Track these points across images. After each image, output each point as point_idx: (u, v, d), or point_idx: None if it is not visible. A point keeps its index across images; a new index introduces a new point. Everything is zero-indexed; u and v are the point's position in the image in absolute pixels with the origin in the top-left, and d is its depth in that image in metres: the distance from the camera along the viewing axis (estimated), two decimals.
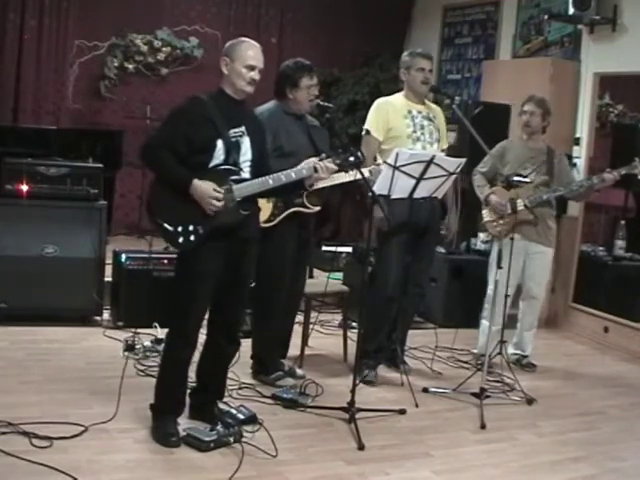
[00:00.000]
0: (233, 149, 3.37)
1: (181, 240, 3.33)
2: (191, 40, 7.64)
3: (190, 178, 3.28)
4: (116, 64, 7.41)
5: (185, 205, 3.29)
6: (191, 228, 3.32)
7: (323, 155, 3.66)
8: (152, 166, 3.43)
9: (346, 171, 3.70)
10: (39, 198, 4.98)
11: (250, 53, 3.41)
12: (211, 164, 3.34)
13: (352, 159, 3.57)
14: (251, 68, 3.39)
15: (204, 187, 3.28)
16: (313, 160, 3.62)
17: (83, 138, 6.85)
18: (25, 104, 7.06)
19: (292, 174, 3.49)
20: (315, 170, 3.53)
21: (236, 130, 3.39)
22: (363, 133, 4.57)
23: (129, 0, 7.30)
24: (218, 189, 3.30)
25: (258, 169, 3.46)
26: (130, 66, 7.48)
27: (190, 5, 7.71)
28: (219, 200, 3.30)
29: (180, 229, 3.32)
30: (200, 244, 3.33)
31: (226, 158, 3.35)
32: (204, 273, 3.36)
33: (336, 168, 3.58)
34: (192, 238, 3.32)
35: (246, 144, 3.43)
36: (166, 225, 3.33)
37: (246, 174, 3.42)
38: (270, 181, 3.43)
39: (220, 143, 3.33)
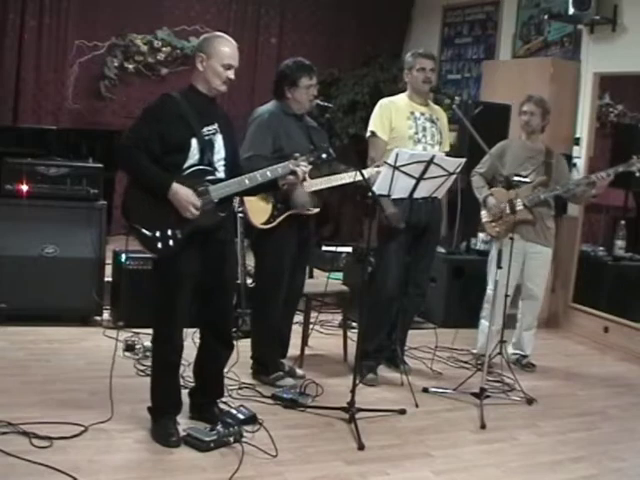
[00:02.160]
0: (207, 148, 3.31)
1: (160, 245, 3.26)
2: (191, 40, 7.61)
3: (169, 181, 3.21)
4: (116, 64, 7.40)
5: (161, 208, 3.22)
6: (169, 233, 3.25)
7: (296, 155, 3.62)
8: (128, 168, 3.34)
9: (316, 167, 3.71)
10: (39, 198, 4.98)
11: (228, 52, 3.33)
12: (186, 164, 3.28)
13: (324, 156, 3.60)
14: (228, 67, 3.33)
15: (184, 192, 3.21)
16: (291, 162, 3.58)
17: (83, 138, 6.83)
18: (25, 104, 7.05)
19: (268, 173, 3.45)
20: (293, 173, 3.49)
21: (209, 128, 3.34)
22: (368, 135, 4.55)
23: (129, 0, 7.30)
24: (197, 197, 3.23)
25: (232, 168, 3.42)
26: (130, 66, 7.47)
27: (190, 5, 7.70)
28: (197, 208, 3.24)
29: (158, 234, 3.25)
30: (179, 248, 3.28)
31: (201, 157, 3.29)
32: (182, 277, 3.32)
33: (307, 169, 3.56)
34: (171, 243, 3.26)
35: (219, 142, 3.38)
36: (144, 230, 3.26)
37: (221, 174, 3.37)
38: (246, 181, 3.38)
39: (195, 142, 3.27)
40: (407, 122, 4.46)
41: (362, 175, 3.75)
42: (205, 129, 3.32)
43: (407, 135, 4.44)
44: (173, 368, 3.45)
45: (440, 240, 4.99)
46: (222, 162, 3.39)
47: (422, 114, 4.52)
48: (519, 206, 4.74)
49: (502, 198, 4.82)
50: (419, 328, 5.65)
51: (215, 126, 3.37)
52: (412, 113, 4.49)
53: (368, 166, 4.29)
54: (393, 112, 4.48)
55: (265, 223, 4.13)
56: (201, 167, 3.30)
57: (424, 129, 4.49)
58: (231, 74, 3.34)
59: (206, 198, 3.28)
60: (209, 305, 3.49)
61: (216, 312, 3.52)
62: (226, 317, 3.63)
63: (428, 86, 4.51)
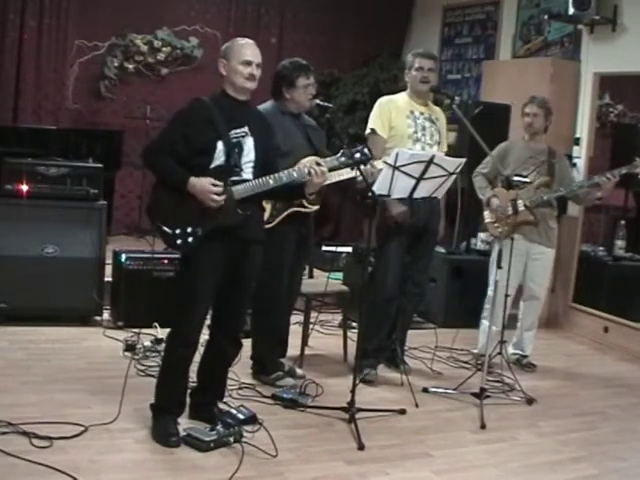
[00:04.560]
0: (234, 150, 3.36)
1: (179, 242, 3.33)
2: (191, 40, 7.64)
3: (186, 176, 3.28)
4: (116, 64, 7.41)
5: (184, 207, 3.29)
6: (189, 230, 3.31)
7: (318, 159, 3.62)
8: (152, 168, 3.44)
9: (352, 168, 3.68)
10: (39, 198, 4.97)
11: (244, 49, 3.41)
12: (212, 165, 3.33)
13: (358, 156, 3.51)
14: (248, 63, 3.38)
15: (202, 182, 3.27)
16: (313, 158, 3.59)
17: (83, 138, 6.86)
18: (25, 104, 7.06)
19: (294, 173, 3.46)
20: (309, 174, 3.48)
21: (238, 131, 3.38)
22: (367, 132, 4.55)
23: (129, 0, 7.30)
24: (216, 182, 3.28)
25: (263, 170, 3.44)
26: (130, 66, 7.48)
27: (190, 5, 7.71)
28: (219, 194, 3.28)
29: (178, 231, 3.32)
30: (199, 245, 3.32)
31: (227, 159, 3.34)
32: (204, 273, 3.36)
33: (326, 171, 3.52)
34: (190, 240, 3.32)
35: (249, 145, 3.41)
36: (164, 227, 3.33)
37: (247, 175, 3.40)
38: (271, 181, 3.40)
39: (220, 144, 3.32)
40: (406, 121, 4.47)
41: (361, 173, 3.75)
42: (233, 132, 3.36)
43: (406, 134, 4.44)
44: (183, 365, 3.46)
45: (439, 240, 4.99)
46: (250, 164, 3.42)
47: (421, 113, 4.53)
48: (521, 207, 4.74)
49: (505, 198, 4.82)
50: (419, 328, 5.65)
51: (245, 129, 3.40)
52: (412, 112, 4.50)
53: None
54: (393, 110, 4.49)
55: (265, 223, 4.12)
56: (224, 167, 3.34)
57: (423, 128, 4.50)
58: (253, 70, 3.39)
59: (228, 196, 3.31)
60: (223, 302, 3.50)
61: (230, 310, 3.53)
62: (239, 316, 3.63)
63: (426, 86, 4.51)
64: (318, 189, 3.59)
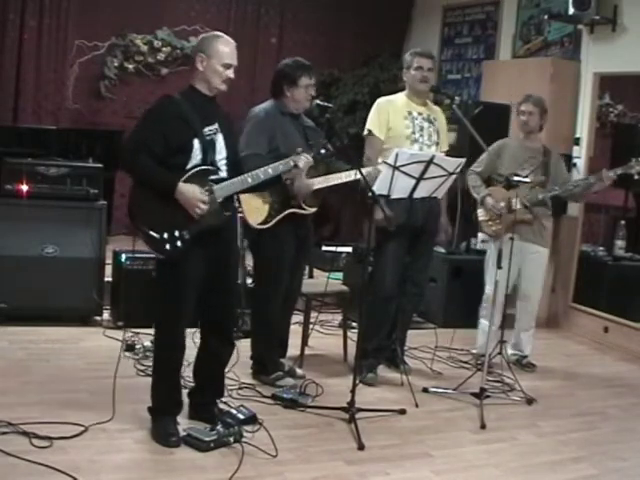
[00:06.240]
0: (209, 148, 3.33)
1: (168, 247, 3.27)
2: (191, 40, 7.61)
3: (175, 182, 3.23)
4: (116, 64, 7.41)
5: (168, 210, 3.24)
6: (177, 234, 3.26)
7: (299, 150, 3.73)
8: (132, 171, 3.36)
9: (315, 165, 3.83)
10: (39, 198, 4.97)
11: (227, 50, 3.36)
12: (189, 165, 3.29)
13: (323, 151, 3.77)
14: (228, 66, 3.35)
15: (191, 191, 3.24)
16: (292, 158, 3.68)
17: (83, 138, 6.84)
18: (25, 104, 7.05)
19: (269, 170, 3.52)
20: (295, 166, 3.56)
21: (210, 128, 3.36)
22: (365, 133, 4.57)
23: (129, 0, 7.30)
24: (203, 191, 3.27)
25: (234, 167, 3.44)
26: (130, 66, 7.48)
27: (190, 5, 7.70)
28: (205, 203, 3.27)
29: (166, 236, 3.26)
30: (186, 249, 3.29)
31: (203, 158, 3.31)
32: (189, 277, 3.33)
33: (312, 161, 3.69)
34: (179, 244, 3.27)
35: (220, 142, 3.39)
36: (151, 232, 3.26)
37: (223, 173, 3.39)
38: (249, 179, 3.42)
39: (197, 142, 3.29)
40: (404, 122, 4.46)
41: (361, 174, 3.75)
42: (206, 129, 3.34)
43: (404, 135, 4.44)
44: (175, 368, 3.46)
45: (439, 240, 4.99)
46: (224, 161, 3.41)
47: (420, 114, 4.52)
48: (516, 206, 4.74)
49: (499, 197, 4.83)
50: (419, 328, 5.65)
51: (216, 126, 3.38)
52: (410, 113, 4.49)
53: (364, 165, 4.30)
54: (390, 111, 4.49)
55: (262, 223, 4.12)
56: (204, 167, 3.32)
57: (421, 129, 4.49)
58: (231, 73, 3.37)
59: (211, 198, 3.30)
60: (213, 304, 3.49)
61: (220, 311, 3.53)
62: (230, 316, 3.64)
63: (425, 85, 4.50)
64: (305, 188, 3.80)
